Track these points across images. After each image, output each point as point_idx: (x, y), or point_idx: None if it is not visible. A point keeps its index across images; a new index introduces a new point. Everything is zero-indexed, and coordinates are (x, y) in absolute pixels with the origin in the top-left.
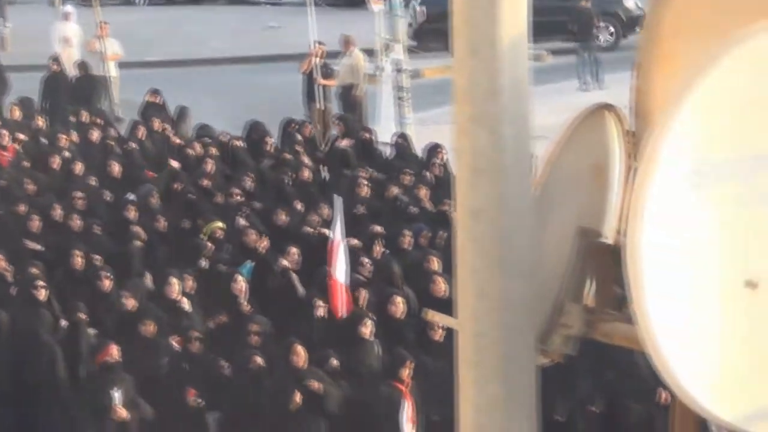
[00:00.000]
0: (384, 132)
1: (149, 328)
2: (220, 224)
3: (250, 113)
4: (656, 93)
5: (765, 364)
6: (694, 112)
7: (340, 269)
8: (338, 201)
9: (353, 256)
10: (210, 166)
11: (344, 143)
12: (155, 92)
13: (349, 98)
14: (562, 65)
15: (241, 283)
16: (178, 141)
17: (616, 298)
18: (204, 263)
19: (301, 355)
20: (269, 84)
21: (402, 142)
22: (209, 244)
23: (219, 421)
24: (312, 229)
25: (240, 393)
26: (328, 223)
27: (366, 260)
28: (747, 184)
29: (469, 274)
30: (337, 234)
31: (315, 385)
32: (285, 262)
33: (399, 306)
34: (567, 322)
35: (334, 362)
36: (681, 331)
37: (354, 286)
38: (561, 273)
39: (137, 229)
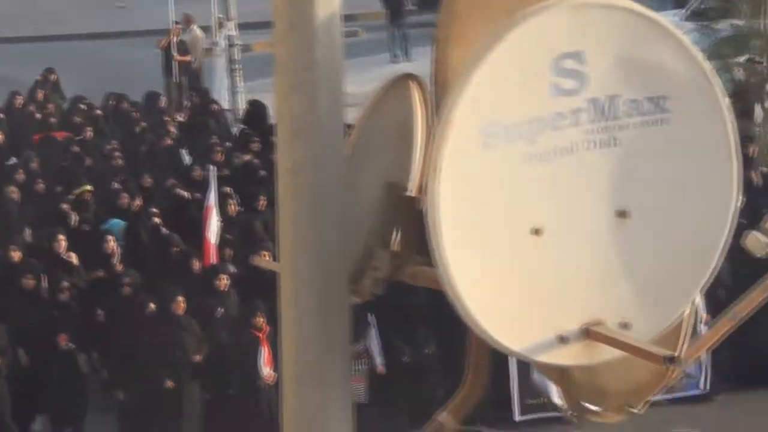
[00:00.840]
0: (219, 100)
1: (30, 281)
2: (88, 187)
3: (107, 86)
4: (452, 64)
5: (548, 300)
6: (483, 81)
7: (211, 231)
8: (213, 170)
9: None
10: (88, 133)
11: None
12: (49, 70)
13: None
14: (375, 40)
15: (111, 243)
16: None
17: (420, 244)
18: (73, 222)
19: (180, 304)
20: (124, 59)
21: (253, 110)
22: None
23: (90, 362)
24: (177, 192)
25: (115, 336)
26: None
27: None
28: (530, 143)
29: (289, 224)
30: (210, 199)
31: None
32: (156, 220)
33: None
34: (376, 265)
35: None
36: (475, 272)
37: (222, 243)
38: (371, 223)
39: (12, 189)
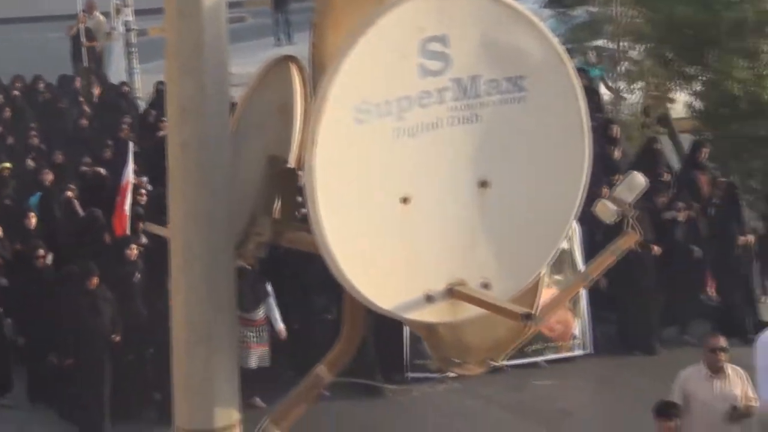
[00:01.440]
0: (116, 80)
1: None
2: (7, 164)
3: (17, 68)
4: (328, 48)
5: (415, 262)
6: (356, 62)
7: (128, 204)
8: (131, 147)
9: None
10: (7, 113)
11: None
12: None
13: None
14: (260, 25)
15: (32, 219)
16: None
17: (299, 211)
18: None
19: (94, 274)
20: (32, 42)
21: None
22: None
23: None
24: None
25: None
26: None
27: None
28: (399, 120)
29: (179, 195)
30: (127, 175)
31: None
32: (69, 194)
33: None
34: (259, 231)
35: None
36: (348, 237)
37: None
38: (254, 192)
39: None
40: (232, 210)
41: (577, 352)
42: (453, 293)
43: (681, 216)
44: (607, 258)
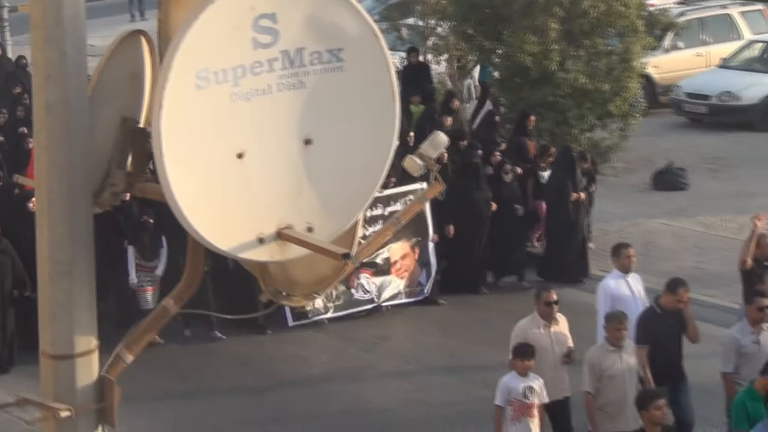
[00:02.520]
0: None
1: None
2: None
3: None
4: (173, 23)
5: (249, 209)
6: (197, 35)
7: None
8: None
9: None
10: None
11: None
12: None
13: None
14: (117, 3)
15: None
16: None
17: (149, 165)
18: None
19: None
20: None
21: None
22: None
23: None
24: None
25: None
26: None
27: None
28: (235, 86)
29: (43, 150)
30: None
31: None
32: None
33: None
34: (114, 182)
35: None
36: (190, 187)
37: None
38: (110, 149)
39: None
40: (90, 164)
41: (422, 297)
42: (281, 236)
43: (507, 178)
44: (416, 205)
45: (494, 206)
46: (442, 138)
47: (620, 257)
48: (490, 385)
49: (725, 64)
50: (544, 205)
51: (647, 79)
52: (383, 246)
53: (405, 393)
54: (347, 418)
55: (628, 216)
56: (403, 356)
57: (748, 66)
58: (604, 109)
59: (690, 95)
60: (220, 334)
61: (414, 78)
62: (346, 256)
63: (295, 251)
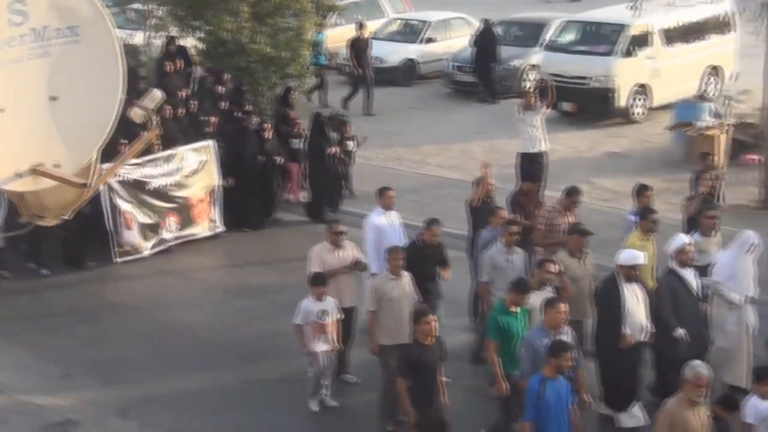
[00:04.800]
0: None
1: None
2: None
3: None
4: None
5: (12, 151)
6: None
7: None
8: None
9: None
10: None
11: None
12: None
13: None
14: None
15: None
16: None
17: None
18: None
19: None
20: None
21: None
22: None
23: None
24: None
25: None
26: None
27: None
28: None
29: None
30: None
31: None
32: None
33: None
34: None
35: None
36: None
37: None
38: None
39: None
40: None
41: (216, 231)
42: (34, 171)
43: (267, 134)
44: (139, 145)
45: (259, 159)
46: (156, 94)
47: (383, 197)
48: (280, 305)
49: (375, 36)
50: (296, 167)
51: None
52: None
53: (211, 316)
54: (161, 338)
55: None
56: (208, 283)
57: (391, 37)
58: (285, 72)
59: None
60: (46, 271)
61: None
62: (84, 185)
63: (46, 183)
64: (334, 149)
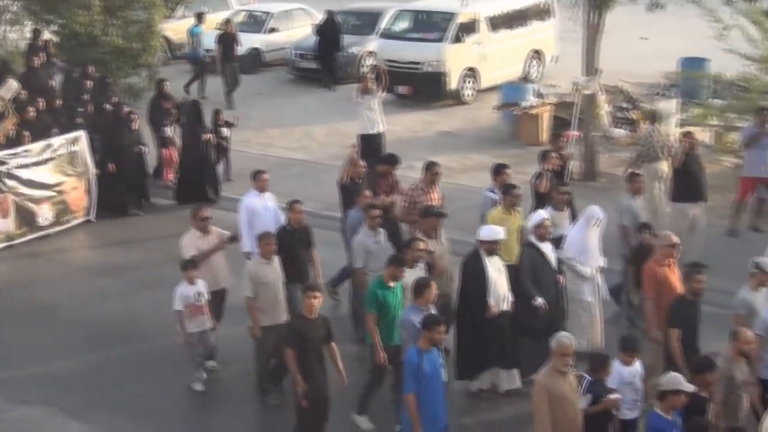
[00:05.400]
0: None
1: None
2: None
3: None
4: None
5: None
6: None
7: None
8: None
9: None
10: None
11: None
12: None
13: None
14: None
15: None
16: None
17: None
18: None
19: None
20: None
21: None
22: None
23: None
24: None
25: None
26: None
27: None
28: None
29: None
30: None
31: None
32: None
33: None
34: None
35: None
36: None
37: None
38: None
39: None
40: None
41: (90, 218)
42: None
43: (134, 124)
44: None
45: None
46: (13, 84)
47: (257, 180)
48: (138, 282)
49: (220, 27)
50: (171, 152)
51: (166, 39)
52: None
53: (73, 295)
54: (27, 319)
55: None
56: (79, 265)
57: (241, 28)
58: (136, 62)
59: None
60: None
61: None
62: None
63: None
64: (208, 136)
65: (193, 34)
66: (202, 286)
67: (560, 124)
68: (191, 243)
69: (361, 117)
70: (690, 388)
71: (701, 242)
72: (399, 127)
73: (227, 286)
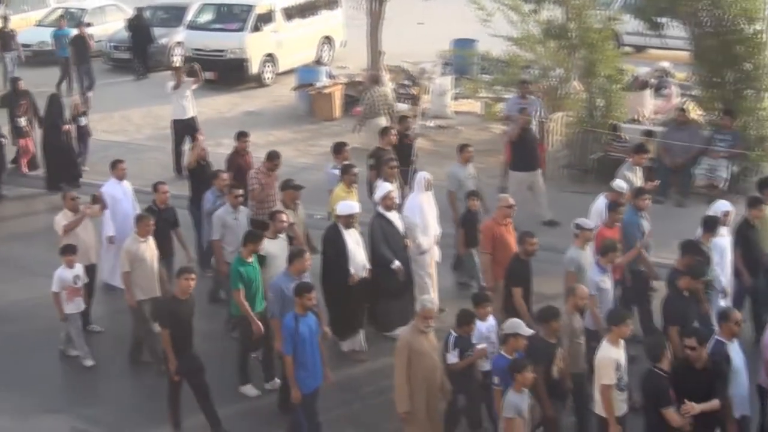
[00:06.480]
0: None
1: None
2: None
3: None
4: None
5: None
6: None
7: None
8: None
9: None
10: None
11: None
12: None
13: None
14: None
15: None
16: None
17: None
18: None
19: None
20: None
21: None
22: None
23: None
24: None
25: None
26: None
27: None
28: None
29: None
30: None
31: None
32: None
33: None
34: None
35: None
36: None
37: None
38: None
39: None
40: None
41: None
42: None
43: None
44: None
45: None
46: None
47: (116, 169)
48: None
49: (40, 23)
50: (27, 142)
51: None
52: None
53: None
54: None
55: None
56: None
57: (52, 24)
58: None
59: (23, 45)
60: None
61: None
62: None
63: None
64: (67, 126)
65: (56, 36)
66: (80, 270)
67: (350, 102)
68: (63, 219)
69: (175, 105)
70: (528, 332)
71: (545, 201)
72: (208, 109)
73: (97, 262)
